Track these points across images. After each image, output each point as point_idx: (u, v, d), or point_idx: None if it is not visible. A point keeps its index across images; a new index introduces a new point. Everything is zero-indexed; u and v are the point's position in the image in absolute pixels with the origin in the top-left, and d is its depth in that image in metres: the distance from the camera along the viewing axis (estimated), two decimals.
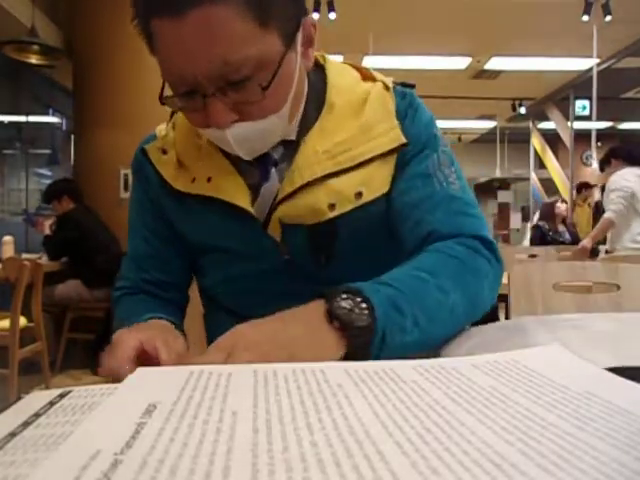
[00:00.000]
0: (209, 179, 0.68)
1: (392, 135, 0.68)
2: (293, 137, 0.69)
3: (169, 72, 0.58)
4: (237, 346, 0.45)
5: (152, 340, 0.53)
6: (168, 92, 0.61)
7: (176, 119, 0.76)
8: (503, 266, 0.67)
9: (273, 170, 0.69)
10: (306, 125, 0.69)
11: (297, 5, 0.61)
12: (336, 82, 0.71)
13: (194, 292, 0.86)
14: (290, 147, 0.69)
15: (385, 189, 0.68)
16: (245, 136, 0.61)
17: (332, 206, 0.66)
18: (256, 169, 0.69)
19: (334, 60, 0.75)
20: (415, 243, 0.67)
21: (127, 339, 0.53)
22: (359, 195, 0.67)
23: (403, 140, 0.68)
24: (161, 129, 0.77)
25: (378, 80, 0.72)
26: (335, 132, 0.68)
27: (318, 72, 0.73)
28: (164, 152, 0.73)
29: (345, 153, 0.67)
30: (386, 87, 0.72)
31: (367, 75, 0.73)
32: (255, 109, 0.59)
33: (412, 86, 0.75)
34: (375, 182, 0.68)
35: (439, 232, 0.65)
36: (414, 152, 0.70)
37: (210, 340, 0.81)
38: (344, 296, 0.50)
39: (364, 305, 0.49)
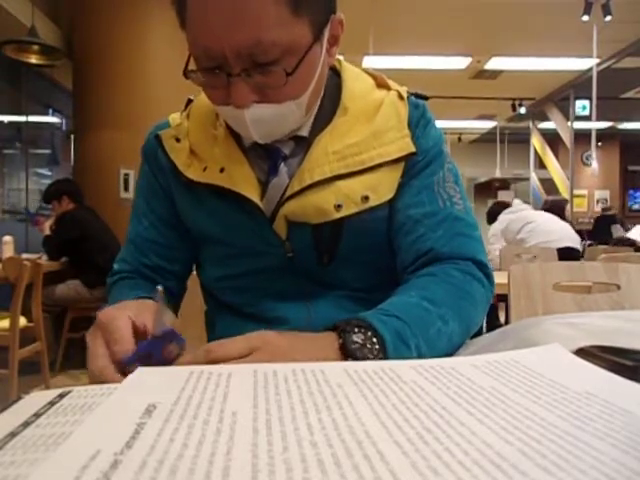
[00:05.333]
0: (222, 169, 0.69)
1: (402, 143, 0.69)
2: (305, 133, 0.70)
3: (198, 46, 0.59)
4: (264, 348, 0.47)
5: (141, 316, 0.52)
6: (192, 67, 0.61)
7: (191, 109, 0.77)
8: (494, 288, 0.70)
9: (282, 165, 0.70)
10: (319, 125, 0.70)
11: (329, 1, 0.63)
12: (351, 87, 0.72)
13: (195, 288, 0.86)
14: (301, 144, 0.70)
15: (390, 195, 0.69)
16: (262, 118, 0.62)
17: (338, 207, 0.67)
18: (265, 163, 0.70)
19: (350, 65, 0.76)
20: (412, 258, 0.69)
21: (119, 320, 0.51)
22: (366, 199, 0.67)
23: (412, 149, 0.69)
24: (175, 117, 0.77)
25: (393, 89, 0.74)
26: (347, 134, 0.69)
27: (334, 76, 0.74)
28: (177, 140, 0.74)
29: (355, 156, 0.67)
30: (400, 96, 0.73)
31: (382, 83, 0.75)
32: (276, 93, 0.60)
33: (425, 98, 0.76)
34: (382, 188, 0.69)
35: (438, 251, 0.67)
36: (422, 164, 0.71)
37: (211, 337, 0.81)
38: (356, 330, 0.51)
39: (375, 340, 0.51)
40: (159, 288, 0.50)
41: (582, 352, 0.42)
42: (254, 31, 0.55)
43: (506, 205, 4.01)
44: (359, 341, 0.51)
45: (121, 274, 0.78)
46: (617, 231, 6.95)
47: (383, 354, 0.51)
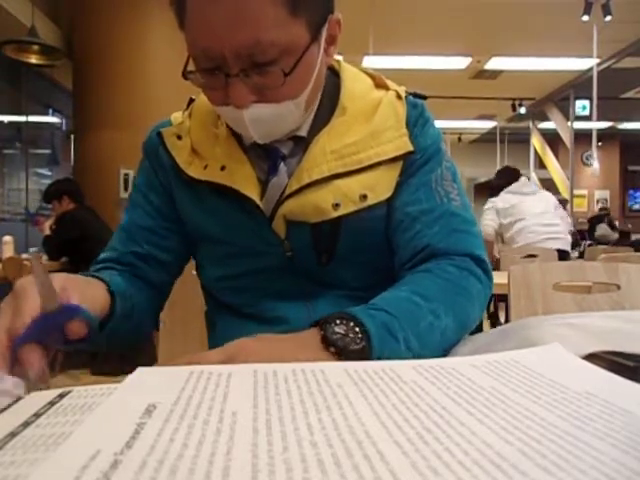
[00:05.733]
0: (223, 167, 0.69)
1: (400, 142, 0.69)
2: (304, 133, 0.71)
3: (197, 47, 0.59)
4: (239, 354, 0.47)
5: (67, 291, 0.49)
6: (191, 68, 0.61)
7: (193, 108, 0.77)
8: (493, 283, 0.70)
9: (281, 165, 0.70)
10: (318, 125, 0.70)
11: (326, 1, 0.63)
12: (350, 87, 0.72)
13: (195, 288, 0.86)
14: (299, 144, 0.71)
15: (389, 194, 0.70)
16: (260, 118, 0.62)
17: (336, 206, 0.67)
18: (265, 163, 0.70)
19: (349, 66, 0.77)
20: (410, 255, 0.69)
21: (32, 291, 0.46)
22: (364, 197, 0.68)
23: (410, 148, 0.70)
24: (177, 116, 0.78)
25: (391, 88, 0.74)
26: (345, 134, 0.69)
27: (332, 77, 0.74)
28: (179, 138, 0.74)
29: (353, 155, 0.68)
30: (398, 96, 0.73)
31: (380, 83, 0.75)
32: (274, 93, 0.61)
33: (424, 97, 0.77)
34: (380, 186, 0.69)
35: (434, 247, 0.67)
36: (420, 162, 0.71)
37: (211, 337, 0.81)
38: (338, 322, 0.51)
39: (357, 329, 0.51)
40: (35, 253, 0.44)
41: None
42: (253, 31, 0.56)
43: (512, 176, 3.68)
44: (341, 332, 0.50)
45: (105, 263, 0.75)
46: (601, 230, 7.06)
47: (367, 344, 0.50)
